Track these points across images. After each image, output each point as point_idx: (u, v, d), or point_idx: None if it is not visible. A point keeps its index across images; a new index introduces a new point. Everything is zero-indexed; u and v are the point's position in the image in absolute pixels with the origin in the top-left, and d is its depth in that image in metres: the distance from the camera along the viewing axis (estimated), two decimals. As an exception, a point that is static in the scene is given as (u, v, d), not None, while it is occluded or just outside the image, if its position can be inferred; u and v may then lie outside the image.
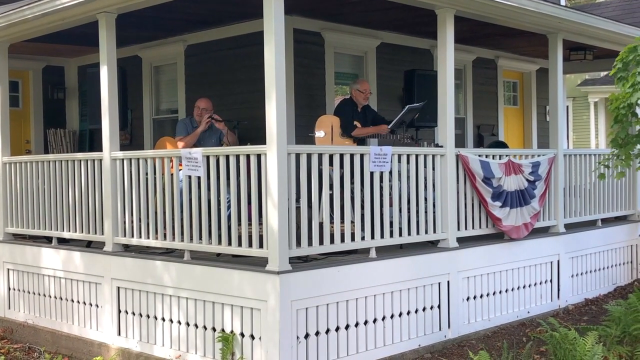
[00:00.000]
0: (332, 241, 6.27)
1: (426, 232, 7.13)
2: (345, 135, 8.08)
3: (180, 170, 6.68)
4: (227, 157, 6.25)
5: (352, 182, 6.44)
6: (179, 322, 6.62)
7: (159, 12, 7.79)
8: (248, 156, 6.08)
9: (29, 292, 8.41)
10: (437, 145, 7.50)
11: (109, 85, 7.28)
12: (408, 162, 6.95)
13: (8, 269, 8.70)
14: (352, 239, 6.45)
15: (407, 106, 7.98)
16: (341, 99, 8.93)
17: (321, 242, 6.16)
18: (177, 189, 6.69)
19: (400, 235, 6.87)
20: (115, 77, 7.34)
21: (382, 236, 6.67)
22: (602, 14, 13.22)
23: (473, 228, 7.66)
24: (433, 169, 7.22)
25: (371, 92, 8.57)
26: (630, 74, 6.61)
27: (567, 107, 21.71)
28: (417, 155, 7.02)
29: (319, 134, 7.94)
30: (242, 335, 6.09)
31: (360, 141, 8.21)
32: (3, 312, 8.75)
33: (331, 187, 6.39)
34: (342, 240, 6.36)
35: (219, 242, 6.32)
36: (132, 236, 7.14)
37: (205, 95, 8.47)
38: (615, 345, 6.76)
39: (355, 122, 8.19)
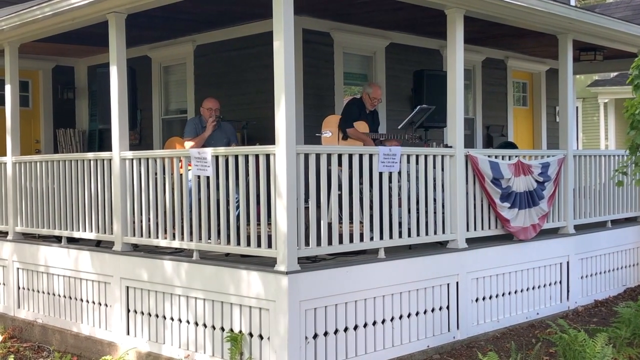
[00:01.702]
0: (340, 241, 6.26)
1: (435, 233, 7.12)
2: (339, 130, 7.98)
3: (189, 170, 6.69)
4: (236, 157, 6.25)
5: (360, 183, 6.43)
6: (188, 322, 6.62)
7: (169, 12, 7.82)
8: (257, 156, 6.08)
9: (38, 291, 8.43)
10: (446, 146, 7.48)
11: (119, 85, 7.30)
12: (417, 163, 6.94)
13: (18, 268, 8.73)
14: (361, 239, 6.44)
15: (419, 106, 7.96)
16: (351, 98, 8.90)
17: (330, 243, 6.16)
18: (187, 189, 6.70)
19: (409, 235, 6.86)
20: (125, 77, 7.36)
21: (391, 237, 6.66)
22: (613, 14, 13.17)
23: (482, 229, 7.64)
24: (442, 169, 7.21)
25: (381, 100, 8.53)
26: None
27: (577, 108, 21.60)
28: (426, 156, 7.01)
29: (326, 134, 7.93)
30: (251, 335, 6.09)
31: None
32: (12, 311, 8.78)
33: (340, 187, 6.38)
34: (351, 240, 6.36)
35: (228, 242, 6.33)
36: (142, 236, 7.15)
37: (214, 95, 8.48)
38: (625, 347, 6.74)
39: (361, 122, 8.13)
